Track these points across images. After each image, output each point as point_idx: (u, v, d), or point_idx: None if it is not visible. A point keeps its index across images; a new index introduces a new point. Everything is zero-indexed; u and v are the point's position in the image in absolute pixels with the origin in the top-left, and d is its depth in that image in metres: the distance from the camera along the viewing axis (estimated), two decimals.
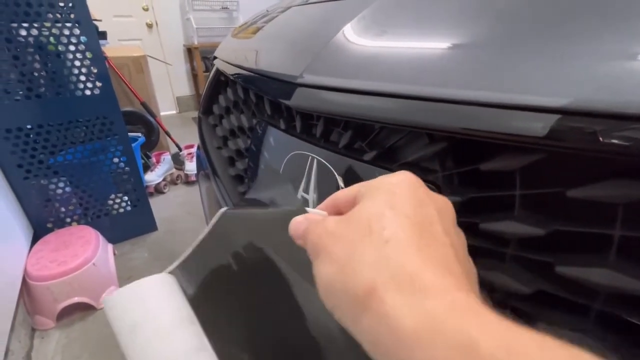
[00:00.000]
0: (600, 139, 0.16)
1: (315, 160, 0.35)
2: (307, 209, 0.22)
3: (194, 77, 3.56)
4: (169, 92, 3.54)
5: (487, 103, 0.20)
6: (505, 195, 0.22)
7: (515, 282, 0.21)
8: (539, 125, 0.18)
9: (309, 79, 0.31)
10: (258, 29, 0.56)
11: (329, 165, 0.33)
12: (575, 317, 0.20)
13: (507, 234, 0.22)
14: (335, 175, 0.32)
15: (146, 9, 3.16)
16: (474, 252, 0.19)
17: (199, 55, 3.25)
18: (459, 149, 0.24)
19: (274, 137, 0.43)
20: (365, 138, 0.30)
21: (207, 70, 3.37)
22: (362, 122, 0.29)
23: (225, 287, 0.27)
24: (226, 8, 3.36)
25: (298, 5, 0.51)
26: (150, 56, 2.26)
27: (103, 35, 2.03)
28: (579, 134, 0.17)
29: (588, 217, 0.19)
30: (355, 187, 0.19)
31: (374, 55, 0.29)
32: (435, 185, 0.25)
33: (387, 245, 0.14)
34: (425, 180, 0.26)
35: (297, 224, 0.20)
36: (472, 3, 0.27)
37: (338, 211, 0.20)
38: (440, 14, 0.29)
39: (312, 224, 0.18)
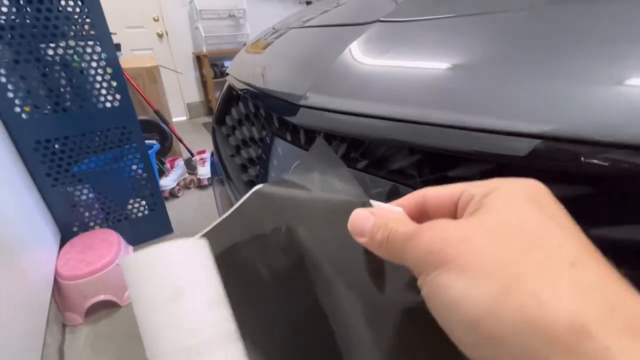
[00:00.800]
0: (583, 159, 0.19)
1: None
2: (372, 201, 0.19)
3: (204, 83, 3.67)
4: (180, 99, 3.65)
5: (473, 127, 0.24)
6: None
7: None
8: (521, 147, 0.22)
9: (311, 100, 0.37)
10: (266, 46, 0.62)
11: None
12: None
13: None
14: None
15: (156, 20, 3.28)
16: None
17: (207, 63, 3.35)
18: (433, 159, 0.30)
19: (282, 148, 0.48)
20: (358, 149, 0.35)
21: (216, 77, 3.47)
22: (357, 138, 0.34)
23: (250, 268, 0.25)
24: (233, 16, 3.45)
25: (296, 27, 0.57)
26: (162, 66, 2.36)
27: (117, 47, 2.14)
28: (559, 156, 0.21)
29: None
30: (457, 188, 0.16)
31: (369, 79, 0.34)
32: (414, 189, 0.30)
33: (575, 269, 0.11)
34: (406, 185, 0.31)
35: (363, 218, 0.17)
36: (464, 33, 0.32)
37: (424, 211, 0.18)
38: (430, 42, 0.34)
39: (424, 226, 0.15)
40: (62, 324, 1.10)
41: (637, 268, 0.19)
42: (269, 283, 0.25)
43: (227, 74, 0.70)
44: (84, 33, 1.12)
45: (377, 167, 0.34)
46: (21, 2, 1.00)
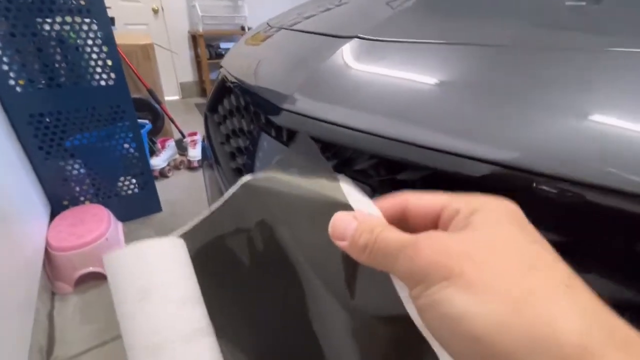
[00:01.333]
0: (534, 185, 0.23)
1: None
2: (353, 203, 0.19)
3: (198, 64, 3.63)
4: (173, 77, 3.61)
5: (439, 148, 0.28)
6: None
7: None
8: (478, 169, 0.26)
9: (293, 105, 0.42)
10: (258, 43, 0.66)
11: None
12: None
13: None
14: None
15: None
16: None
17: (203, 43, 3.31)
18: (389, 163, 0.36)
19: (267, 142, 0.54)
20: (331, 149, 0.41)
21: (211, 57, 3.44)
22: (331, 143, 0.40)
23: (229, 266, 0.25)
24: None
25: (286, 28, 0.61)
26: (157, 44, 2.34)
27: (111, 21, 2.11)
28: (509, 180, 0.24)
29: None
30: (439, 199, 0.17)
31: (343, 92, 0.40)
32: (372, 187, 0.37)
33: (570, 290, 0.12)
34: (365, 184, 0.37)
35: (345, 222, 0.17)
36: (440, 60, 0.37)
37: (403, 218, 0.18)
38: (402, 64, 0.39)
39: (420, 236, 0.15)
40: (51, 292, 1.15)
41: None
42: (248, 281, 0.25)
43: (222, 67, 0.74)
44: (80, 10, 1.13)
45: (344, 166, 0.40)
46: None
